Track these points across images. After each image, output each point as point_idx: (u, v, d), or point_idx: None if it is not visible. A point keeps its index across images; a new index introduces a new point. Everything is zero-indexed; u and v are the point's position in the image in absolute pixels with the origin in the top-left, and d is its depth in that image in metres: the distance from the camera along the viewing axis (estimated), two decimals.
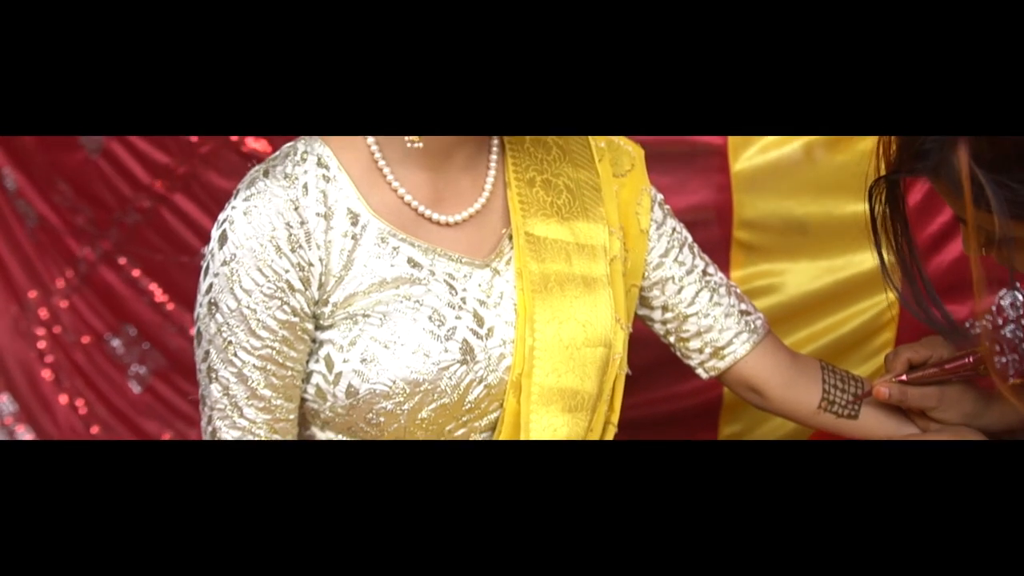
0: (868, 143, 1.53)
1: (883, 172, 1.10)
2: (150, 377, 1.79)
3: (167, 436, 1.81)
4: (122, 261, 1.73)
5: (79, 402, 1.82)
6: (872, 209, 1.11)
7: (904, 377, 1.23)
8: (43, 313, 1.79)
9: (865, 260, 1.60)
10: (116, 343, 1.78)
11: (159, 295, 1.74)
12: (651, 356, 1.35)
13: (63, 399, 1.81)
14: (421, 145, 1.09)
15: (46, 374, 1.81)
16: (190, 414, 1.81)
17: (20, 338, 1.81)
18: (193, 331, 1.12)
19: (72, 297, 1.78)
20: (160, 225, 1.69)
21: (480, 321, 1.12)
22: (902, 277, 1.13)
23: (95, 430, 1.82)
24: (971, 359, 1.22)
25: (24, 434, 1.82)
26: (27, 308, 1.79)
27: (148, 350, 1.77)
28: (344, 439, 1.12)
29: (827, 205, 1.60)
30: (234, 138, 1.61)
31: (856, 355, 1.63)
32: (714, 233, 1.62)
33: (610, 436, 1.23)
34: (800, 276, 1.63)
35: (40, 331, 1.80)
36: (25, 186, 1.73)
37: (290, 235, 1.06)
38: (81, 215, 1.72)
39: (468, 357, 1.10)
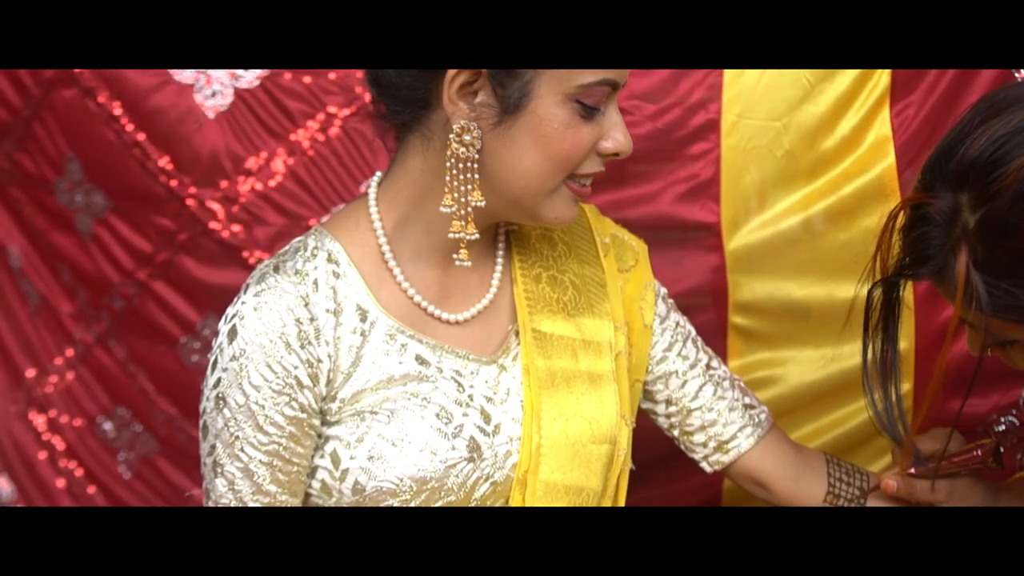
0: (872, 220, 1.47)
1: (880, 272, 1.11)
2: (139, 462, 1.78)
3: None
4: (112, 345, 1.73)
5: (75, 484, 1.81)
6: (868, 309, 1.13)
7: (912, 470, 1.23)
8: (40, 393, 1.79)
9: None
10: (108, 426, 1.77)
11: (144, 381, 1.74)
12: (648, 455, 1.32)
13: (60, 483, 1.80)
14: (477, 236, 1.10)
15: (42, 455, 1.81)
16: (181, 496, 1.80)
17: (18, 419, 1.80)
18: (199, 424, 1.12)
19: (68, 377, 1.77)
20: (143, 312, 1.68)
21: (487, 418, 1.12)
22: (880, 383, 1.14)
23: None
24: (980, 452, 1.22)
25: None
26: (24, 388, 1.79)
27: (140, 433, 1.77)
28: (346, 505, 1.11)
29: (830, 287, 1.50)
30: (212, 225, 1.61)
31: (866, 451, 1.52)
32: (709, 318, 1.53)
33: None
34: (803, 366, 1.53)
35: (37, 412, 1.80)
36: (28, 266, 1.74)
37: (300, 331, 1.07)
38: (79, 297, 1.72)
39: (475, 454, 1.10)
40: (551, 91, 1.04)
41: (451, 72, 1.04)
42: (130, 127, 1.58)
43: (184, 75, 1.56)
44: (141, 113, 1.58)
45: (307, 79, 1.57)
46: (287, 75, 1.57)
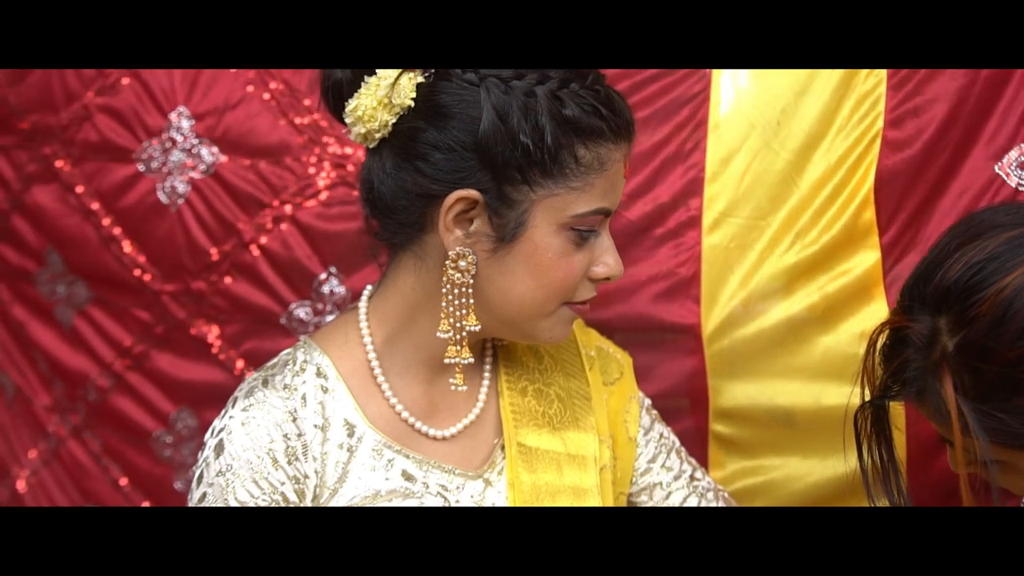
0: (857, 322, 1.43)
1: (867, 396, 1.12)
2: None
3: None
4: (88, 437, 1.72)
5: None
6: (858, 435, 1.13)
7: None
8: (15, 488, 1.78)
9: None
10: None
11: (117, 473, 1.72)
12: None
13: None
14: (471, 361, 1.10)
15: None
16: None
17: None
18: None
19: (41, 472, 1.77)
20: (117, 404, 1.67)
21: None
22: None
23: None
24: None
25: None
26: (4, 484, 1.78)
27: None
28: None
29: (815, 393, 1.44)
30: (182, 318, 1.61)
31: None
32: (689, 424, 1.47)
33: None
34: (789, 476, 1.46)
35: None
36: (5, 357, 1.74)
37: (287, 447, 1.08)
38: (56, 389, 1.72)
39: None
40: (546, 220, 1.07)
41: (448, 200, 1.06)
42: (106, 221, 1.59)
43: (149, 168, 1.58)
44: (116, 209, 1.59)
45: (263, 164, 1.55)
46: (243, 163, 1.56)
